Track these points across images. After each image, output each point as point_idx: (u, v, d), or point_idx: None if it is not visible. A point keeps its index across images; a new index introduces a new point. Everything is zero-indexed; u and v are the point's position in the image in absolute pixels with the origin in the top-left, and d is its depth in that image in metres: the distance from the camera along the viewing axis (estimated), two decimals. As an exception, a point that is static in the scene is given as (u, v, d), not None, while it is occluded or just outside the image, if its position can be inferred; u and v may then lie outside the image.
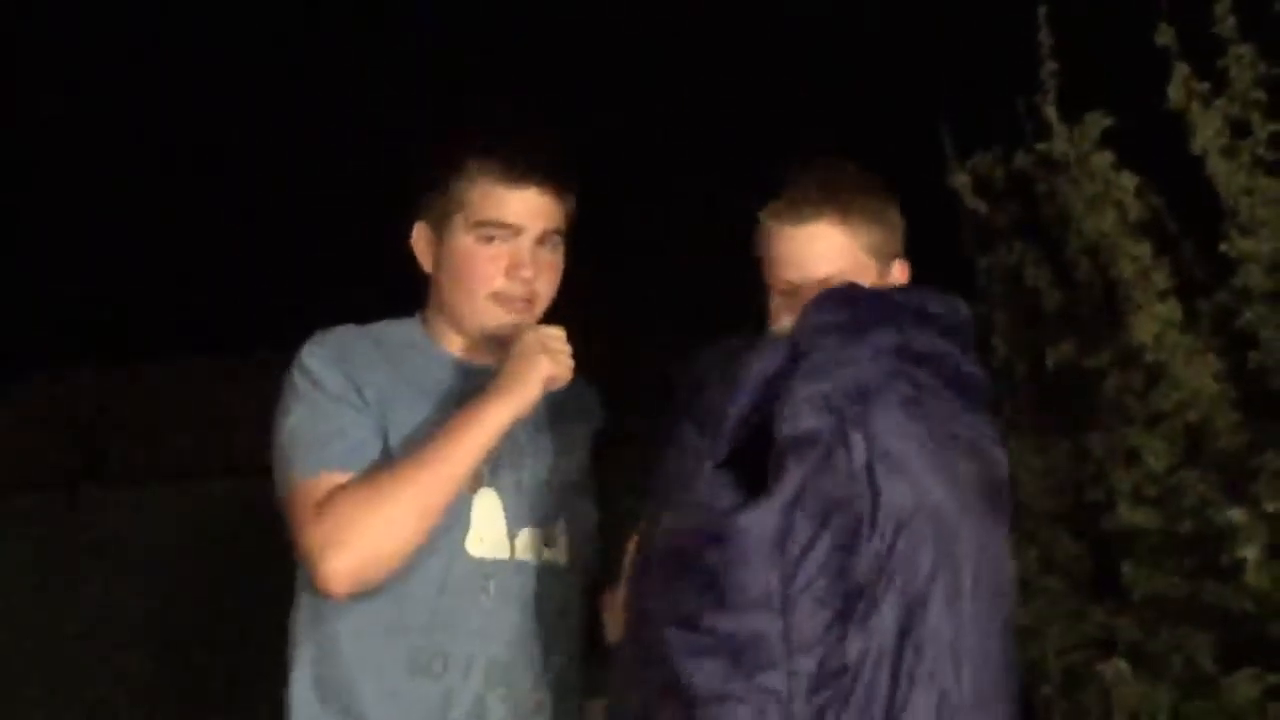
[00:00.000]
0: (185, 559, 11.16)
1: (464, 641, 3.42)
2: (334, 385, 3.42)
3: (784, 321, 3.49)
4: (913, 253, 4.09)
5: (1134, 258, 5.31)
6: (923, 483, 3.22)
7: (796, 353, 3.28)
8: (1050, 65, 5.47)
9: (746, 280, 3.61)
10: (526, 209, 3.47)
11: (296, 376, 3.47)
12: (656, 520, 3.35)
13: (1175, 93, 5.28)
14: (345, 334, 3.56)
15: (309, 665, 3.44)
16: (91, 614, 11.21)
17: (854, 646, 3.11)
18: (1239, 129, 5.35)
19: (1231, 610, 5.37)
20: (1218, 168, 5.29)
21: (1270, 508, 5.08)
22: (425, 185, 3.57)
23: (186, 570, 11.16)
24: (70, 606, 11.30)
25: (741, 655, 3.10)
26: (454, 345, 3.58)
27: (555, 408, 3.58)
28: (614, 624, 3.59)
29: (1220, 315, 5.38)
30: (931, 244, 4.76)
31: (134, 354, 16.06)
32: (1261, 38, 5.38)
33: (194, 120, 18.67)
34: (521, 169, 3.48)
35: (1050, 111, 5.41)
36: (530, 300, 3.50)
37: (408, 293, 3.75)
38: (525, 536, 3.49)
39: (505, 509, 3.45)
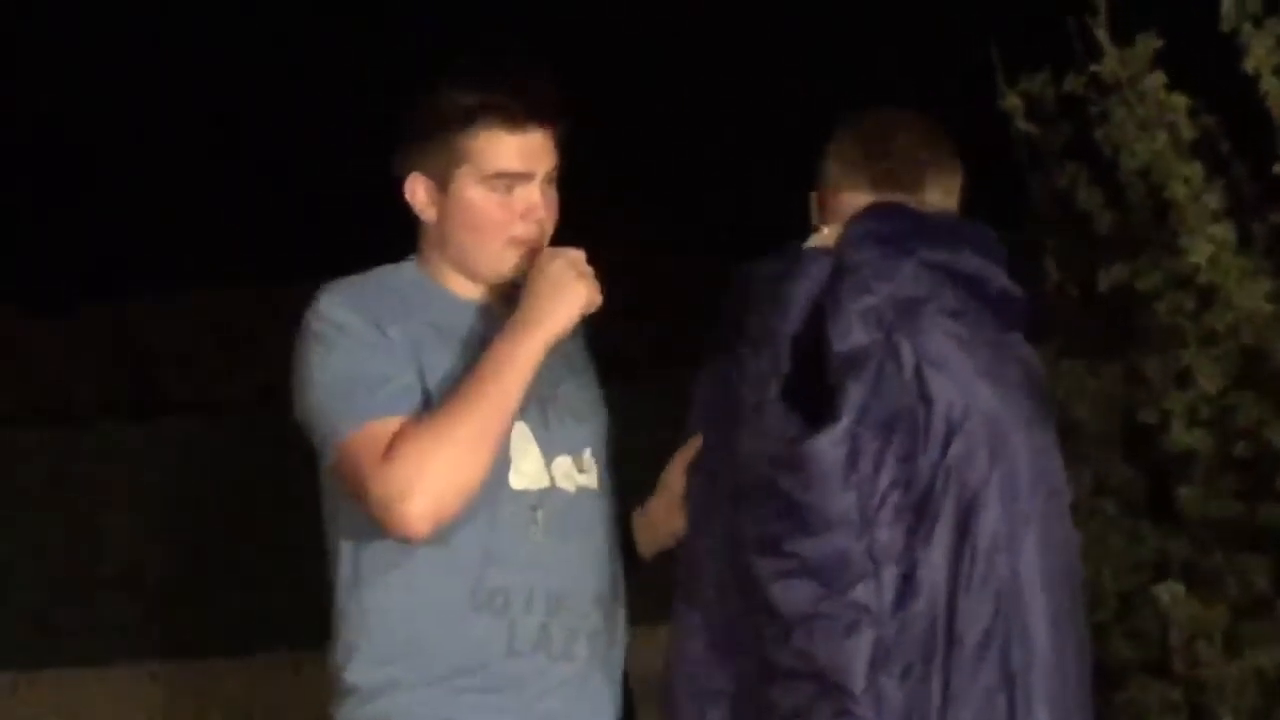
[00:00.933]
0: (234, 490, 11.41)
1: (520, 575, 3.49)
2: (364, 331, 3.48)
3: (823, 232, 3.57)
4: (966, 175, 4.20)
5: (1186, 179, 5.38)
6: (971, 387, 3.32)
7: (840, 266, 3.38)
8: (1101, -14, 5.57)
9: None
10: (533, 153, 3.54)
11: (321, 328, 3.52)
12: (729, 445, 3.43)
13: (1227, 13, 5.35)
14: (354, 283, 3.63)
15: (367, 614, 3.51)
16: (139, 543, 11.46)
17: (934, 553, 3.24)
18: None
19: None
20: (1270, 87, 5.36)
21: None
22: (420, 137, 3.61)
23: (234, 501, 11.42)
24: (120, 534, 11.63)
25: (828, 575, 3.22)
26: (459, 286, 3.65)
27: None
28: (647, 541, 3.71)
29: (1274, 237, 5.46)
30: (983, 167, 4.82)
31: (188, 285, 16.36)
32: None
33: (252, 60, 19.06)
34: (524, 113, 3.53)
35: (1101, 33, 5.49)
36: (541, 238, 3.58)
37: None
38: (561, 464, 3.55)
39: (538, 440, 3.52)
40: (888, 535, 3.30)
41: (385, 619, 3.48)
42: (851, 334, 3.34)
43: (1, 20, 17.15)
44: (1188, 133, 5.50)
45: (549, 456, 3.53)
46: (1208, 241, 5.35)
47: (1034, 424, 3.51)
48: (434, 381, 3.47)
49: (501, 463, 3.46)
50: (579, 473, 3.58)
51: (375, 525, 3.43)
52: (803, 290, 3.40)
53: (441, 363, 3.51)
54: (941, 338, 3.42)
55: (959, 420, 3.33)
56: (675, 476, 3.62)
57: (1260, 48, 5.33)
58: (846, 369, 3.32)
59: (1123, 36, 5.60)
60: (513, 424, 3.45)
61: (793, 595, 3.28)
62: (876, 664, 3.28)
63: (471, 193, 3.54)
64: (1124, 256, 5.68)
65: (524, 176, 3.53)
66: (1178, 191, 5.46)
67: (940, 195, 3.74)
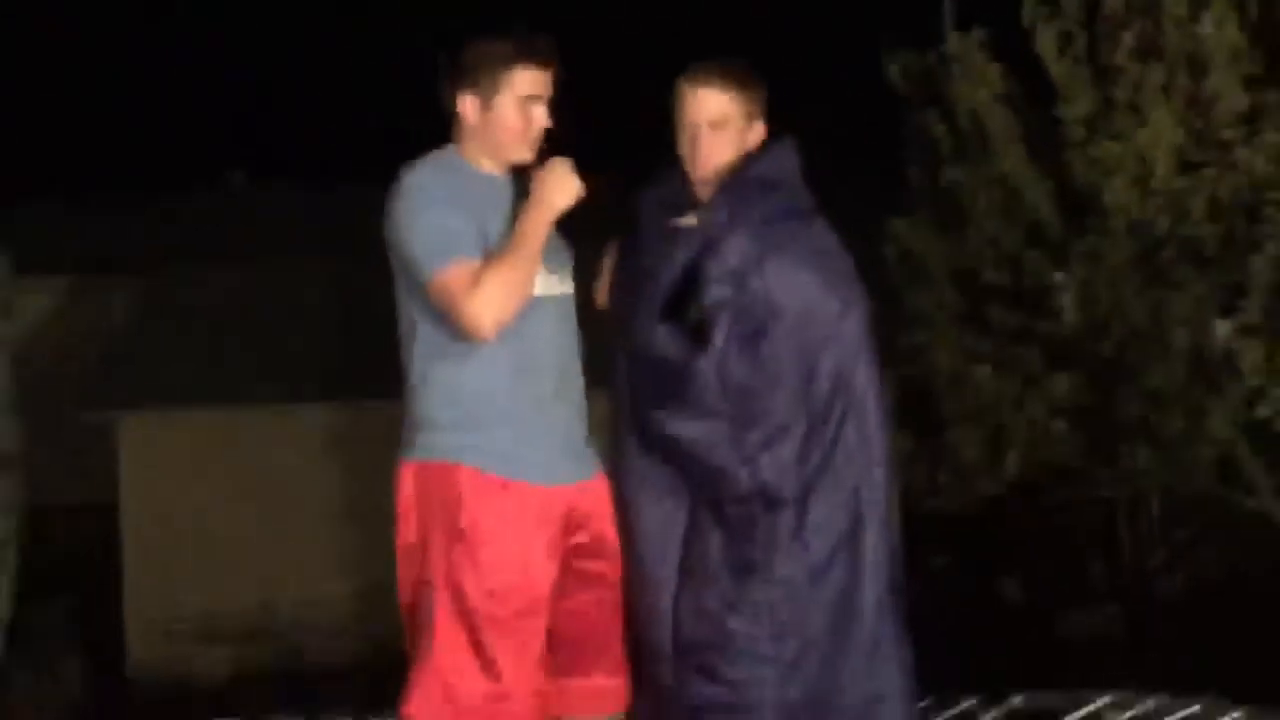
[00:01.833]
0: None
1: (543, 352, 4.43)
2: (446, 200, 4.37)
3: (699, 175, 4.47)
4: (862, 119, 6.62)
5: (998, 118, 8.20)
6: (807, 292, 4.32)
7: (707, 240, 4.38)
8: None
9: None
10: (545, 84, 4.43)
11: (413, 196, 4.37)
12: (633, 331, 4.41)
13: (1027, 13, 8.01)
14: (427, 165, 4.47)
15: (451, 398, 4.38)
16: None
17: (792, 399, 4.28)
18: (1067, 38, 8.04)
19: (1054, 335, 8.22)
20: (1050, 63, 8.02)
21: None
22: (471, 70, 4.40)
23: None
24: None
25: (713, 425, 4.29)
26: (486, 166, 4.48)
27: None
28: (601, 294, 4.72)
29: (1054, 152, 8.19)
30: (869, 112, 7.29)
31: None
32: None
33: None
34: (545, 58, 4.42)
35: (948, 23, 8.29)
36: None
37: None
38: (555, 279, 4.50)
39: (545, 264, 4.41)
40: (745, 406, 4.28)
41: (463, 385, 4.37)
42: (714, 289, 4.29)
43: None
44: (999, 89, 8.30)
45: (549, 273, 4.47)
46: (1009, 149, 8.19)
47: (851, 304, 4.40)
48: (485, 229, 4.37)
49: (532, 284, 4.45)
50: (561, 283, 4.54)
51: (459, 329, 4.29)
52: (682, 257, 4.36)
53: (486, 217, 4.40)
54: (781, 268, 4.32)
55: (796, 318, 4.27)
56: (600, 293, 4.73)
57: (1045, 37, 8.00)
58: (714, 311, 4.30)
59: (962, 25, 8.28)
60: (540, 261, 4.40)
61: (688, 431, 4.31)
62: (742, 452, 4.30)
63: (508, 109, 4.41)
64: (959, 163, 8.43)
65: (539, 99, 4.43)
66: (993, 125, 8.26)
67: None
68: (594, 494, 4.51)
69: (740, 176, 4.41)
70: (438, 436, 4.38)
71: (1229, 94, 7.78)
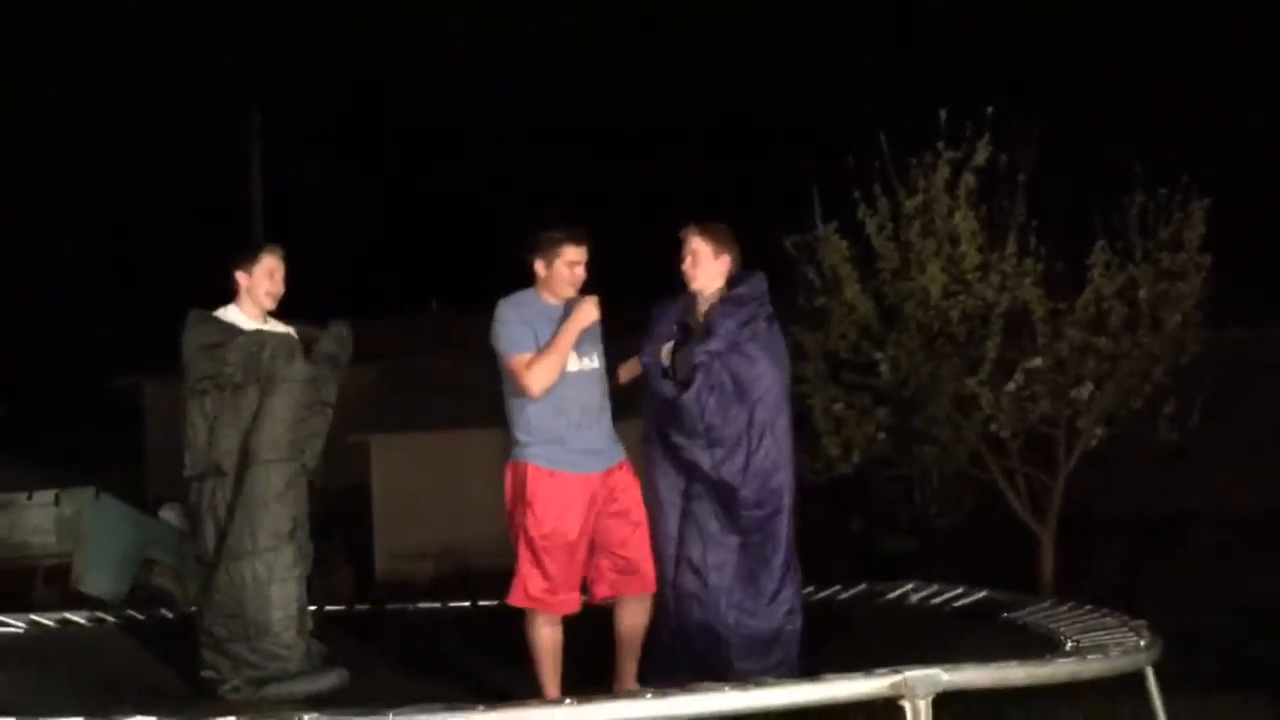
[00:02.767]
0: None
1: (571, 400, 4.43)
2: (516, 321, 4.47)
3: (693, 287, 4.51)
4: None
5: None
6: (761, 368, 4.42)
7: (694, 329, 4.42)
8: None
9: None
10: (582, 255, 4.50)
11: (500, 315, 4.48)
12: (648, 381, 4.44)
13: (860, 212, 8.37)
14: (510, 301, 4.53)
15: (523, 427, 4.48)
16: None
17: (747, 427, 4.36)
18: (881, 225, 8.38)
19: (877, 386, 8.52)
20: (873, 237, 8.42)
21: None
22: (540, 249, 4.51)
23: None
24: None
25: (693, 434, 4.39)
26: (549, 299, 4.52)
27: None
28: (625, 372, 4.63)
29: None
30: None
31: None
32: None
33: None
34: (578, 241, 4.49)
35: (818, 221, 8.43)
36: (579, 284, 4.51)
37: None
38: (585, 360, 4.49)
39: (575, 351, 4.44)
40: (717, 427, 4.37)
41: (535, 424, 4.46)
42: (695, 359, 4.39)
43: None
44: (845, 254, 8.46)
45: (578, 358, 4.47)
46: (850, 288, 8.45)
47: (782, 369, 4.49)
48: (540, 340, 4.43)
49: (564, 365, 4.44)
50: (589, 362, 4.50)
51: (521, 391, 4.38)
52: (670, 333, 4.50)
53: (543, 332, 4.45)
54: (744, 354, 4.38)
55: (758, 386, 4.36)
56: (625, 369, 4.68)
57: (871, 224, 8.33)
58: (696, 370, 4.40)
59: (826, 217, 8.43)
60: (568, 357, 4.41)
61: (686, 445, 4.40)
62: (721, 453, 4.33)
63: (561, 269, 4.49)
64: (823, 294, 8.58)
65: (579, 263, 4.50)
66: (842, 273, 8.47)
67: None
68: (620, 474, 4.55)
69: (737, 296, 4.46)
70: (517, 448, 4.54)
71: (970, 254, 8.19)
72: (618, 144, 27.31)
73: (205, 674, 4.42)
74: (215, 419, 4.42)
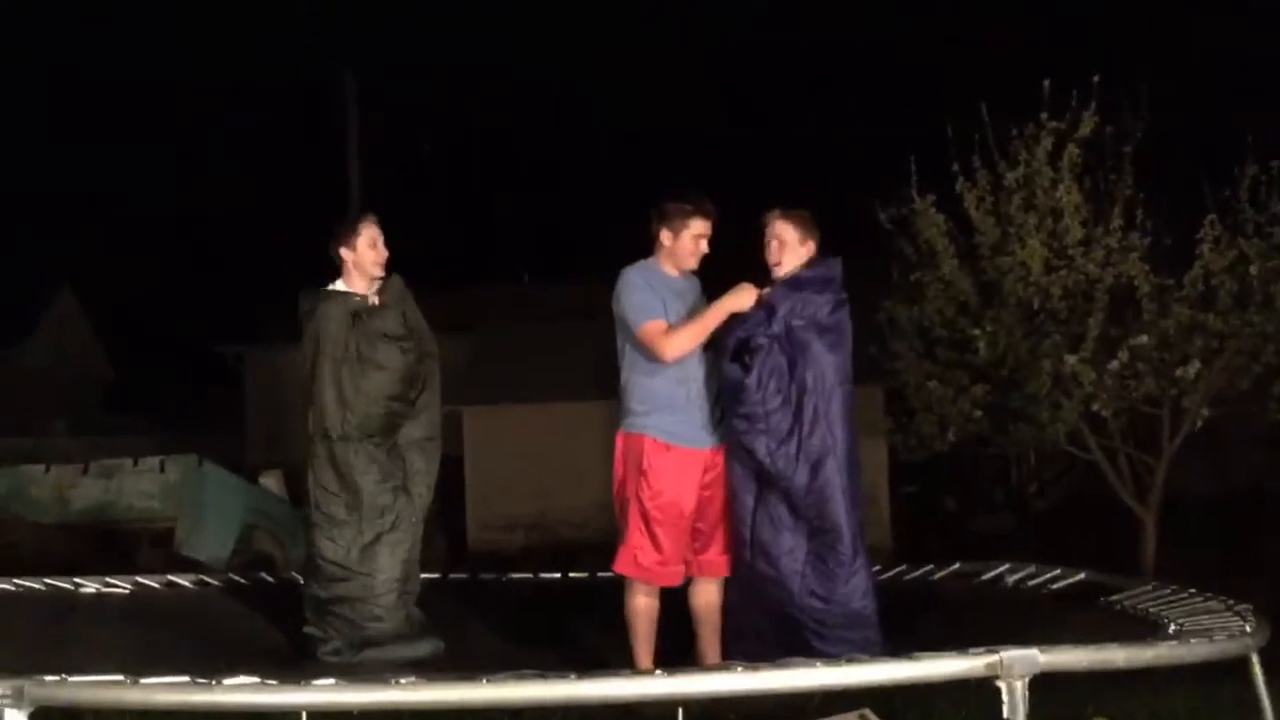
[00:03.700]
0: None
1: (697, 375, 4.49)
2: (646, 288, 4.49)
3: (778, 275, 4.45)
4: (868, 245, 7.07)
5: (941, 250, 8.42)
6: (815, 352, 4.32)
7: (771, 307, 4.35)
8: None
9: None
10: (708, 229, 4.53)
11: (629, 281, 4.49)
12: (723, 353, 4.38)
13: (958, 186, 8.34)
14: (638, 268, 4.54)
15: (641, 396, 4.48)
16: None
17: (798, 412, 4.26)
18: (981, 199, 8.34)
19: (974, 364, 8.48)
20: (971, 211, 8.38)
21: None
22: (668, 219, 4.52)
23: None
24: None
25: (754, 419, 4.34)
26: (670, 271, 4.54)
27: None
28: None
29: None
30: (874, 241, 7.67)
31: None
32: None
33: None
34: (707, 214, 4.52)
35: (915, 194, 8.38)
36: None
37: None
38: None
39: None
40: (774, 409, 4.30)
41: (648, 386, 4.49)
42: (758, 339, 4.35)
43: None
44: (942, 228, 8.43)
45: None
46: (947, 263, 8.46)
47: (841, 354, 4.36)
48: (665, 306, 4.45)
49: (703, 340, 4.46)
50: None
51: (653, 357, 4.37)
52: (746, 323, 4.37)
53: (672, 306, 4.47)
54: (799, 338, 4.32)
55: (811, 376, 4.30)
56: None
57: (969, 198, 8.29)
58: (755, 353, 4.35)
59: (922, 190, 8.38)
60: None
61: (746, 424, 4.33)
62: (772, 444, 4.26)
63: (687, 240, 4.52)
64: (920, 268, 8.60)
65: (704, 236, 4.54)
66: (939, 247, 8.43)
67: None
68: (720, 456, 4.53)
69: (795, 278, 4.43)
70: (632, 417, 4.51)
71: (1073, 229, 8.08)
72: (714, 113, 26.99)
73: (307, 633, 4.52)
74: (341, 387, 4.45)
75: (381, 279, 4.63)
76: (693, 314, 4.48)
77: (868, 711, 4.83)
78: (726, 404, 4.41)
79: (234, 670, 3.14)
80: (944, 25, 25.13)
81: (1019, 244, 8.13)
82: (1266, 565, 8.57)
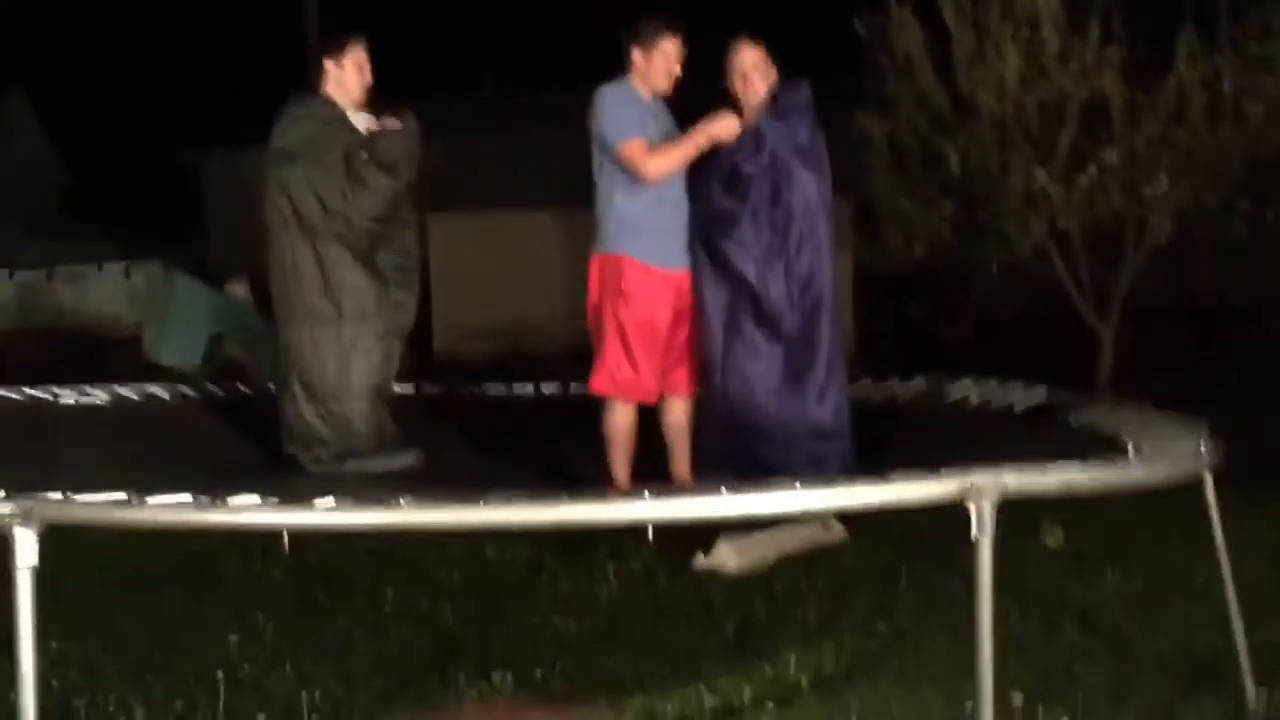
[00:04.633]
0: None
1: (674, 195, 4.50)
2: (630, 104, 4.46)
3: (754, 103, 4.47)
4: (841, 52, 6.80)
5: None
6: (803, 178, 4.41)
7: (760, 136, 4.43)
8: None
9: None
10: (680, 46, 4.51)
11: (608, 100, 4.44)
12: (709, 189, 4.43)
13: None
14: (614, 86, 4.51)
15: (619, 216, 4.47)
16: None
17: (784, 236, 4.35)
18: (960, 8, 8.22)
19: (944, 179, 8.47)
20: (949, 21, 8.26)
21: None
22: (640, 36, 4.50)
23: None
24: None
25: (745, 245, 4.40)
26: (645, 94, 4.52)
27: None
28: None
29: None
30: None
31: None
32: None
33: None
34: (680, 33, 4.51)
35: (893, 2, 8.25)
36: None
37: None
38: None
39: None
40: (763, 229, 4.41)
41: (633, 211, 4.49)
42: (746, 165, 4.40)
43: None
44: (919, 37, 8.36)
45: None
46: (923, 75, 8.41)
47: (823, 176, 4.44)
48: (645, 127, 4.44)
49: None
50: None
51: (635, 177, 4.35)
52: (735, 151, 4.40)
53: (645, 121, 4.47)
54: (787, 166, 4.38)
55: (797, 192, 4.37)
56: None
57: (946, 8, 8.15)
58: (748, 179, 4.43)
59: None
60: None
61: (726, 231, 4.39)
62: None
63: (660, 58, 4.49)
64: (894, 80, 8.55)
65: (677, 55, 4.52)
66: (915, 58, 8.36)
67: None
68: (688, 278, 4.59)
69: (779, 106, 4.47)
70: (610, 239, 4.55)
71: (1050, 40, 7.95)
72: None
73: (289, 452, 4.60)
74: (318, 191, 4.44)
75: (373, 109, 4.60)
76: (667, 138, 4.48)
77: (831, 519, 5.01)
78: (712, 231, 4.44)
79: (226, 487, 3.18)
80: None
81: (996, 55, 8.04)
82: (1223, 378, 8.73)
